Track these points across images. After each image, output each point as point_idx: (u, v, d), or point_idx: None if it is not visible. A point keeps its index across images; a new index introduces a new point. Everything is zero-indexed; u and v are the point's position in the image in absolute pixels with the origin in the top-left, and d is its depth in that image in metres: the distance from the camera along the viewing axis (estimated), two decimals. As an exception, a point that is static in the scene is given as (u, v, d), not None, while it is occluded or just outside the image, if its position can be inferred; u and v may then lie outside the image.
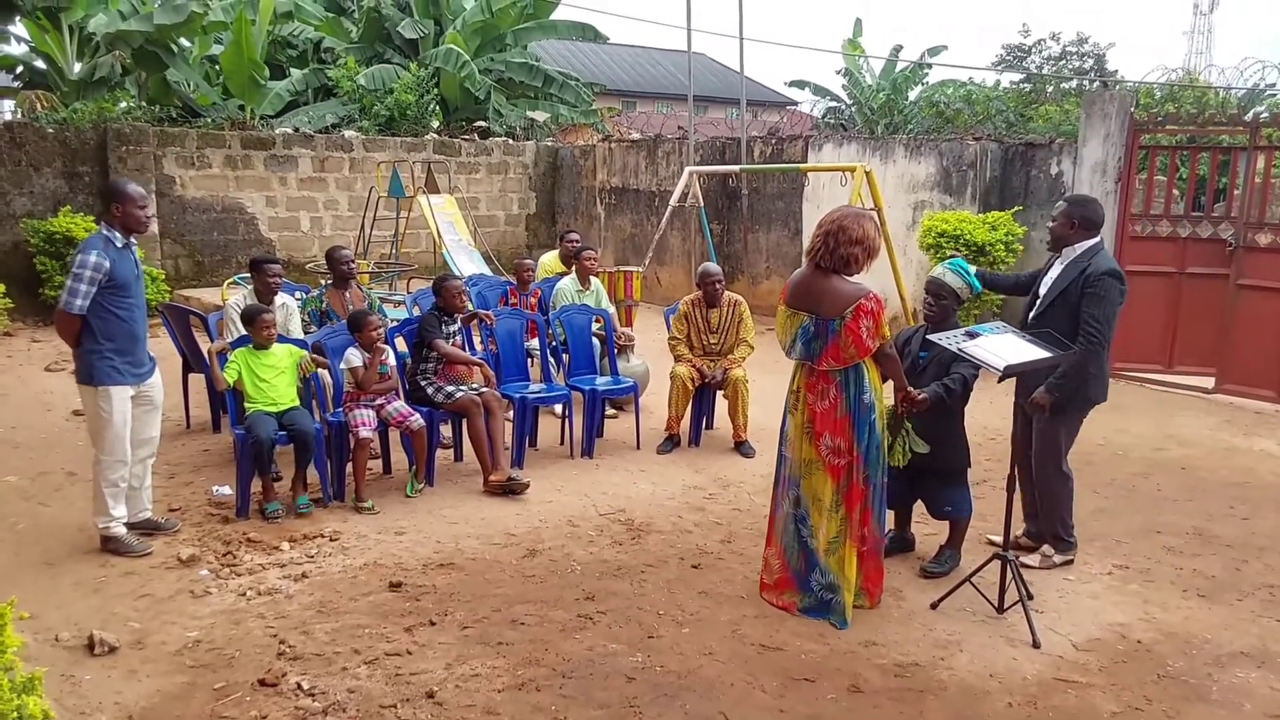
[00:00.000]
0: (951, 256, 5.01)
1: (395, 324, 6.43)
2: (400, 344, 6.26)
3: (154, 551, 4.70)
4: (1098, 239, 4.51)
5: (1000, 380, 4.03)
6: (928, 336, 4.43)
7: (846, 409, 4.05)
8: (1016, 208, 9.46)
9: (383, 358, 5.64)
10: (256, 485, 5.29)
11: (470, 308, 6.47)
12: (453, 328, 6.11)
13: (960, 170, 9.97)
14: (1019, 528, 4.91)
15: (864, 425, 4.06)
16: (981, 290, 4.70)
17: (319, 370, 5.66)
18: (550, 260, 8.87)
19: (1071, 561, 4.81)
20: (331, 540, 4.92)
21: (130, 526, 4.81)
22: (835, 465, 4.09)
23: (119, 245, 4.58)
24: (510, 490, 5.61)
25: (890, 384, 4.27)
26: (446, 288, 6.08)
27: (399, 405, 5.68)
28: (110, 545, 4.69)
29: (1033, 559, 4.75)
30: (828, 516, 4.13)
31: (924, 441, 4.46)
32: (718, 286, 6.68)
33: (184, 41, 16.19)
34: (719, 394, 6.83)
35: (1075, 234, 4.49)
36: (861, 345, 3.96)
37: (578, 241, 8.21)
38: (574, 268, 7.70)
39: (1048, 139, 9.87)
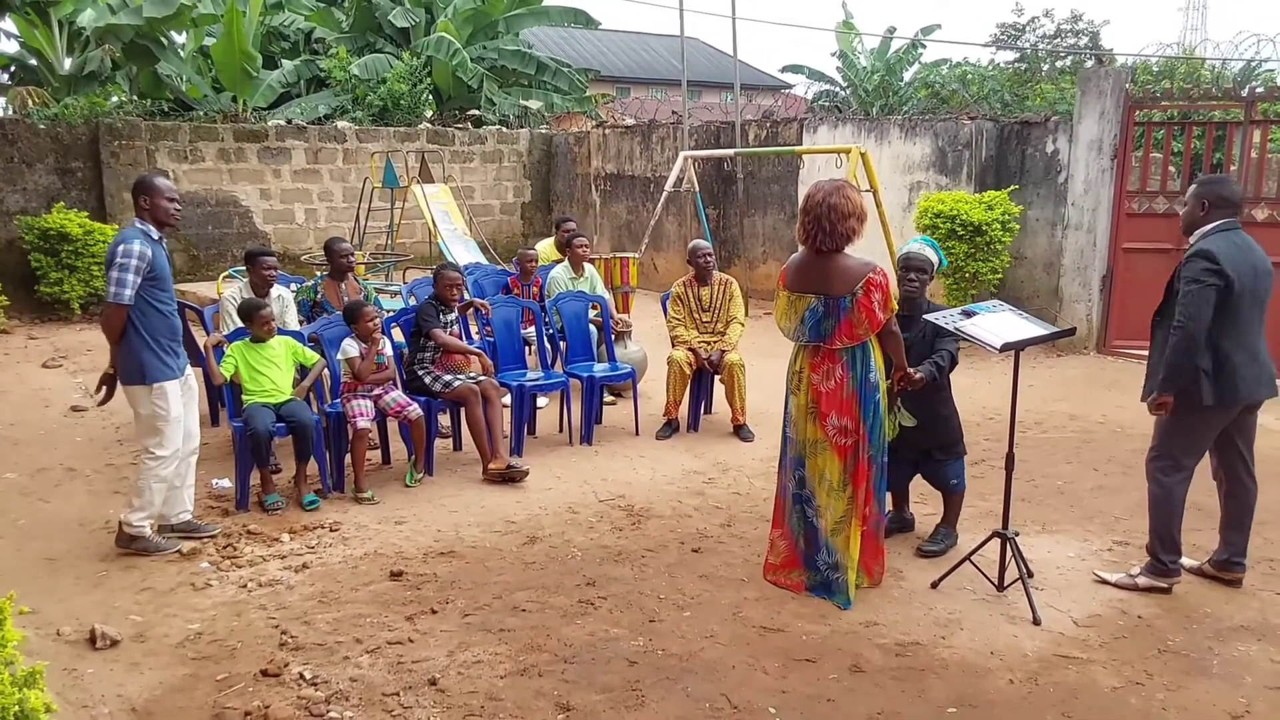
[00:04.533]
0: (923, 235, 5.00)
1: (391, 314, 6.42)
2: (397, 334, 6.25)
3: (183, 550, 4.61)
4: (1230, 222, 4.09)
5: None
6: (925, 317, 4.42)
7: (853, 388, 4.06)
8: (1013, 187, 9.44)
9: (379, 348, 5.63)
10: (256, 477, 5.29)
11: (467, 296, 6.45)
12: (450, 316, 6.10)
13: (956, 150, 9.94)
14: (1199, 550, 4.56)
15: (869, 404, 4.07)
16: (946, 265, 4.67)
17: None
18: (546, 248, 8.85)
19: (1168, 590, 4.23)
20: (332, 531, 4.92)
21: (171, 529, 4.74)
22: (842, 445, 4.10)
23: (155, 238, 4.48)
24: (509, 478, 5.61)
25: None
26: (442, 277, 6.06)
27: (397, 395, 5.68)
28: (138, 545, 4.57)
29: (1111, 575, 4.35)
30: (835, 496, 4.13)
31: (912, 415, 4.47)
32: (708, 260, 6.70)
33: (177, 36, 16.12)
34: (717, 379, 6.83)
35: (1208, 215, 4.12)
36: (875, 319, 3.97)
37: (573, 229, 8.20)
38: (566, 255, 7.69)
39: (1043, 117, 9.84)
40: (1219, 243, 4.00)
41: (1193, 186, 4.24)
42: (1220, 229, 4.07)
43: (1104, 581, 4.33)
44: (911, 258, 4.61)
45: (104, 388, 4.62)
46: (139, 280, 4.34)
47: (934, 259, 4.63)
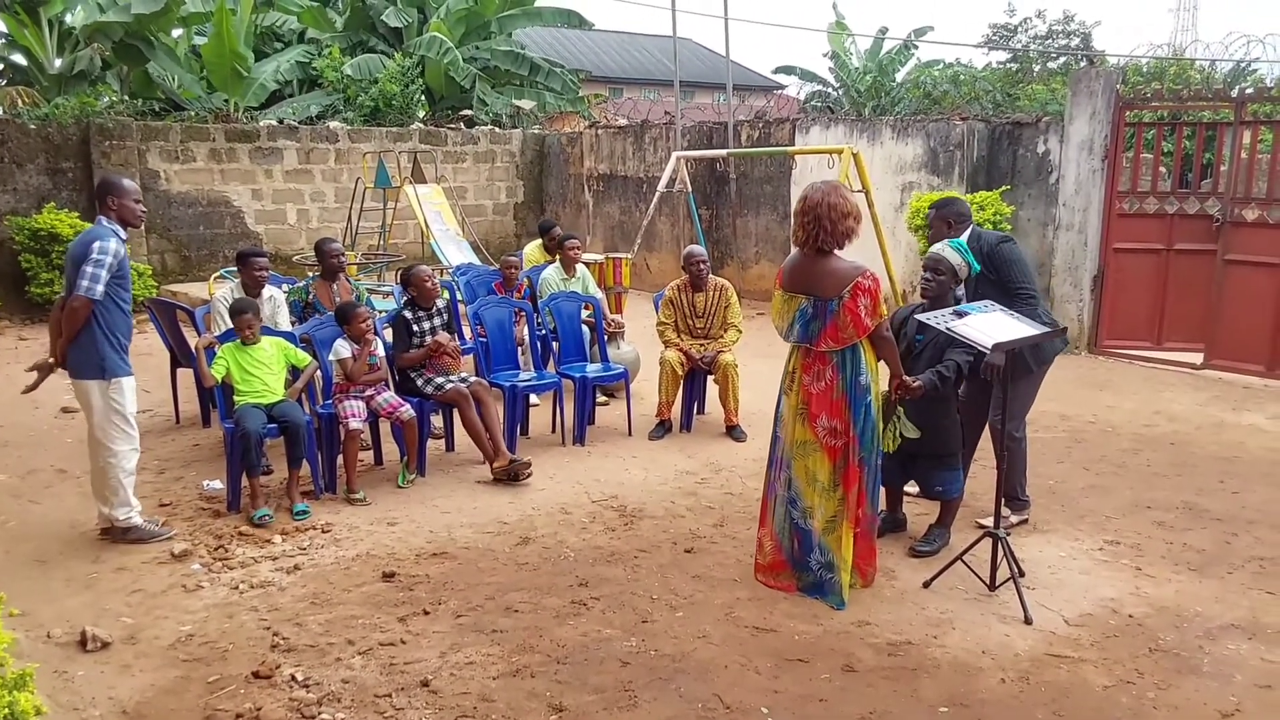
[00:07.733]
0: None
1: (383, 315, 6.40)
2: (389, 335, 6.22)
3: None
4: (971, 227, 4.90)
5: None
6: (917, 317, 4.42)
7: (843, 390, 4.06)
8: (1004, 187, 9.47)
9: (371, 349, 5.62)
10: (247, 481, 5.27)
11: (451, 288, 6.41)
12: (428, 326, 5.93)
13: (947, 151, 9.96)
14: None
15: (860, 406, 4.07)
16: (979, 270, 4.68)
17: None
18: (532, 250, 8.87)
19: (1028, 519, 5.04)
20: (323, 532, 4.91)
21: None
22: (832, 446, 4.10)
23: (122, 238, 4.59)
24: (513, 475, 5.59)
25: (884, 368, 4.27)
26: (416, 278, 5.93)
27: (388, 396, 5.66)
28: (132, 535, 4.68)
29: (986, 520, 4.78)
30: (825, 496, 4.13)
31: (916, 427, 4.47)
32: (702, 267, 6.67)
33: (170, 34, 16.07)
34: (710, 379, 6.83)
35: (954, 230, 4.85)
36: (860, 324, 3.96)
37: (559, 234, 8.38)
38: (558, 256, 7.67)
39: (1034, 118, 9.87)
40: (994, 239, 4.81)
41: (930, 213, 5.02)
42: (975, 234, 4.82)
43: (982, 525, 4.75)
44: (928, 258, 4.64)
45: (39, 375, 4.70)
46: (109, 277, 4.46)
47: (954, 260, 4.55)
